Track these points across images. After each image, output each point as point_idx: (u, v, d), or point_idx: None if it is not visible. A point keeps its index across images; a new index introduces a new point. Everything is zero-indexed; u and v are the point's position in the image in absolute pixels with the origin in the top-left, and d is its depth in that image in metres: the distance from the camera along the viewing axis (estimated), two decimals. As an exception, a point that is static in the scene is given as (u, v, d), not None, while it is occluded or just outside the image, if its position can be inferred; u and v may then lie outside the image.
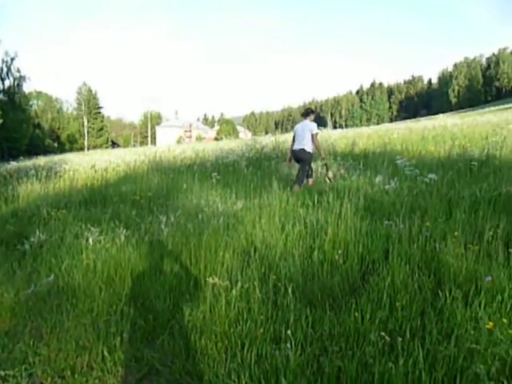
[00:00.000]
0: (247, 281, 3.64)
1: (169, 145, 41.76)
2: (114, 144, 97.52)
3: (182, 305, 3.51)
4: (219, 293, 3.49)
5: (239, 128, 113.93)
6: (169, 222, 5.62)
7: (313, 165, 8.40)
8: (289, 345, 2.64)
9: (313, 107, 13.48)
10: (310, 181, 8.11)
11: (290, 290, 3.34)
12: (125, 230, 5.25)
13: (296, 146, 8.00)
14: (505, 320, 2.53)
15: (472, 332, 2.52)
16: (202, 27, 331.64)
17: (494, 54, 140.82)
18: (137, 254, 4.58)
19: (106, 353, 3.00)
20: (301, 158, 7.94)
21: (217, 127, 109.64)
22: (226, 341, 2.94)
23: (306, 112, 8.45)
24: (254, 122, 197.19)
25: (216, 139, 67.34)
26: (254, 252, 4.32)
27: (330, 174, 8.03)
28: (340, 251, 3.99)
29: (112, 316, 3.49)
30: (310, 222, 4.81)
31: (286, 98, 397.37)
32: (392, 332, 2.73)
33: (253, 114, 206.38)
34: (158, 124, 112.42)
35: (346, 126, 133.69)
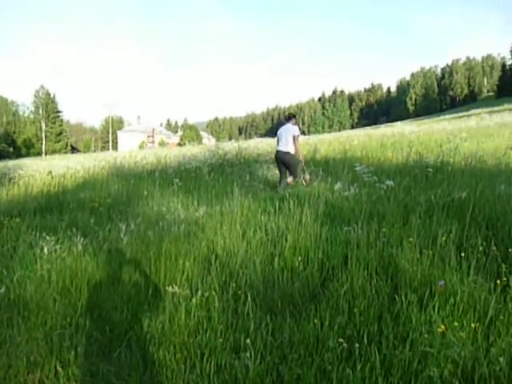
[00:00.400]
0: (208, 289, 3.60)
1: (131, 150, 41.00)
2: (74, 149, 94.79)
3: (140, 315, 3.42)
4: (179, 302, 3.43)
5: (203, 133, 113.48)
6: (128, 229, 5.48)
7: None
8: (248, 354, 2.62)
9: (293, 112, 13.68)
10: (290, 179, 8.35)
11: (250, 298, 3.33)
12: (82, 239, 5.08)
13: (280, 148, 8.46)
14: (456, 323, 2.62)
15: (426, 335, 2.58)
16: (165, 32, 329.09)
17: (447, 65, 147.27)
18: (94, 263, 4.44)
19: (59, 368, 2.87)
20: (285, 159, 8.37)
21: (180, 132, 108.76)
22: (185, 351, 2.89)
23: (289, 117, 9.01)
24: (217, 128, 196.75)
25: (179, 145, 66.74)
26: (215, 259, 4.27)
27: (307, 177, 8.34)
28: (300, 258, 4.02)
29: (66, 329, 3.35)
30: (271, 229, 4.82)
31: (250, 104, 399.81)
32: (350, 338, 2.77)
33: (216, 119, 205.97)
34: (119, 129, 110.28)
35: (309, 132, 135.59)
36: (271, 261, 4.11)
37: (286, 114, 9.52)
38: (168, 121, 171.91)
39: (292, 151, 8.32)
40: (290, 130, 8.52)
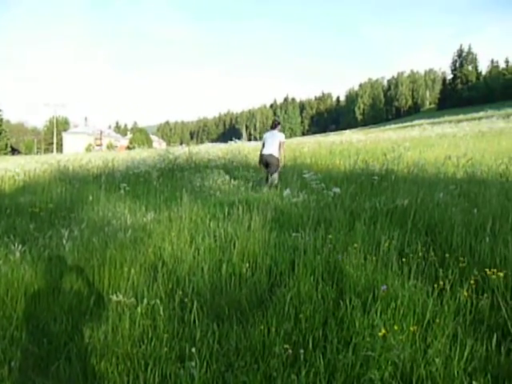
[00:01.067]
0: (153, 297, 3.51)
1: (77, 153, 39.52)
2: (14, 150, 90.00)
3: (81, 326, 3.28)
4: (123, 311, 3.33)
5: (153, 137, 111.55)
6: (71, 235, 5.26)
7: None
8: (194, 363, 2.57)
9: (277, 119, 13.88)
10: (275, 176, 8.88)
11: (197, 306, 3.29)
12: (20, 246, 4.81)
13: (266, 151, 9.12)
14: (396, 327, 2.71)
15: (368, 339, 2.65)
16: (114, 33, 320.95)
17: (393, 77, 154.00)
18: (33, 271, 4.21)
19: (-10, 385, 2.69)
20: (270, 161, 9.06)
21: (129, 136, 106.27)
22: (129, 362, 2.80)
23: (274, 124, 9.83)
24: (168, 132, 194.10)
25: (128, 148, 65.13)
26: (162, 266, 4.19)
27: (276, 178, 8.98)
28: (248, 264, 4.03)
29: (0, 343, 3.15)
30: (219, 235, 4.79)
31: (202, 108, 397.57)
32: (296, 343, 2.79)
33: (167, 123, 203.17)
34: (65, 130, 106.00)
35: (261, 138, 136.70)
36: (219, 267, 4.07)
37: (273, 120, 10.35)
38: (117, 123, 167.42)
39: (276, 155, 9.03)
40: (276, 135, 9.28)
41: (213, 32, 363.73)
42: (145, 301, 3.40)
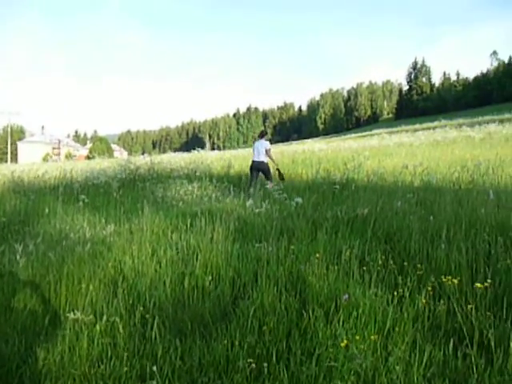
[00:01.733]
0: (113, 314, 3.40)
1: (33, 163, 38.11)
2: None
3: (36, 347, 3.12)
4: (81, 329, 3.20)
5: (114, 146, 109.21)
6: (26, 250, 5.02)
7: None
8: (155, 382, 2.50)
9: (263, 130, 14.46)
10: (270, 185, 9.37)
11: (158, 321, 3.21)
12: (-31, 263, 4.57)
13: (256, 159, 10.54)
14: (358, 336, 2.74)
15: (331, 350, 2.67)
16: (73, 41, 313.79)
17: (353, 88, 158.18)
18: (-18, 290, 4.00)
19: None
20: (260, 167, 10.49)
21: (89, 145, 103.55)
22: (86, 383, 2.69)
23: (261, 134, 11.24)
24: (130, 141, 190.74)
25: (88, 158, 63.48)
26: (123, 281, 4.08)
27: (282, 176, 10.56)
28: (212, 276, 3.98)
29: None
30: (182, 247, 4.73)
31: (164, 117, 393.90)
32: (260, 356, 2.77)
33: (129, 132, 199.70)
34: (20, 139, 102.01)
35: (224, 147, 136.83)
36: (182, 280, 4.00)
37: (260, 130, 11.84)
38: (76, 132, 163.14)
39: (265, 161, 10.50)
40: (263, 144, 10.63)
41: (175, 42, 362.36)
42: (104, 318, 3.29)
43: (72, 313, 3.35)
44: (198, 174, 11.81)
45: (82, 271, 4.20)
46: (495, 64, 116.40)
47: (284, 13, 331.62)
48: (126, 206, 7.65)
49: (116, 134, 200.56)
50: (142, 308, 3.43)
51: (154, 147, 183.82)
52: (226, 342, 2.92)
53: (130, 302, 3.65)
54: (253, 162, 10.63)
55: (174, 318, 3.43)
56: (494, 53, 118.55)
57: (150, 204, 7.81)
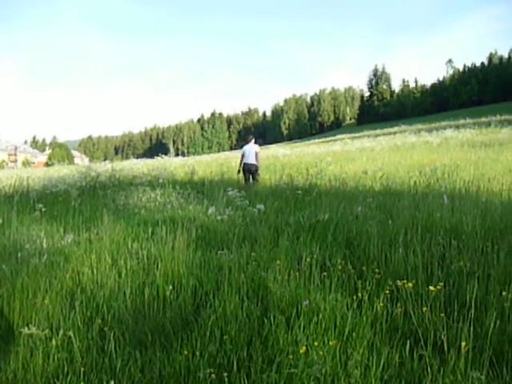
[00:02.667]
0: (71, 327, 3.30)
1: (-13, 170, 36.57)
2: None
3: (-14, 366, 2.98)
4: (35, 345, 3.08)
5: (75, 153, 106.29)
6: (-23, 264, 4.80)
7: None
8: (113, 396, 2.44)
9: (252, 135, 15.12)
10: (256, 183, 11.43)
11: (118, 333, 3.15)
12: None
13: (248, 161, 11.81)
14: (317, 342, 2.78)
15: (291, 356, 2.69)
16: (30, 44, 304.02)
17: (316, 94, 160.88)
18: None
19: None
20: (252, 169, 11.82)
21: (48, 151, 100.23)
22: (41, 401, 2.59)
23: (250, 139, 12.35)
24: (91, 147, 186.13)
25: (47, 165, 61.47)
26: (81, 293, 3.96)
27: (259, 178, 11.95)
28: (173, 285, 3.93)
29: None
30: (143, 256, 4.64)
31: (127, 123, 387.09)
32: (221, 366, 2.76)
33: (90, 138, 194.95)
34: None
35: (188, 153, 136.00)
36: (142, 290, 3.93)
37: (250, 136, 12.72)
38: (34, 138, 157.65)
39: (255, 163, 11.83)
40: (253, 148, 11.96)
41: (137, 47, 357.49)
42: (60, 332, 3.19)
43: (26, 327, 3.22)
44: (161, 180, 11.63)
45: (38, 283, 4.05)
46: (451, 72, 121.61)
47: (248, 18, 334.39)
48: (85, 215, 7.44)
49: (77, 140, 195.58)
50: (100, 320, 3.34)
51: (116, 153, 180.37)
52: (186, 352, 2.88)
53: (88, 314, 3.55)
54: (245, 164, 11.90)
55: (134, 330, 3.36)
56: (450, 61, 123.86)
57: (110, 212, 7.63)
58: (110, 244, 5.14)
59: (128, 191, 10.54)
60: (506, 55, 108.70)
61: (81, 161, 75.43)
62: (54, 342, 3.09)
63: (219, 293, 3.77)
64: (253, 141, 12.20)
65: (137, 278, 4.20)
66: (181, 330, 3.35)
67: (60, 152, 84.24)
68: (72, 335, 3.12)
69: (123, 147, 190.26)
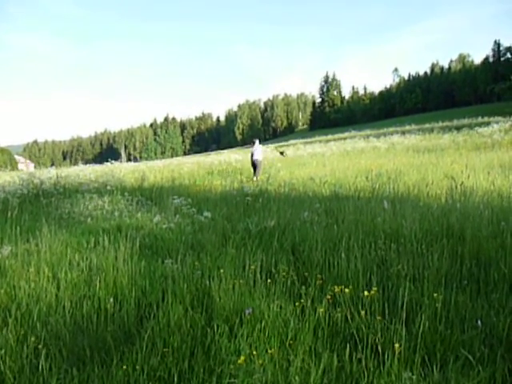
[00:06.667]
0: (3, 346, 3.12)
1: None
2: None
3: None
4: (-37, 367, 2.89)
5: (19, 158, 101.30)
6: None
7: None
8: (44, 418, 2.33)
9: (255, 139, 16.92)
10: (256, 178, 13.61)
11: (54, 350, 3.02)
12: None
13: (256, 158, 14.47)
14: (256, 351, 2.79)
15: (232, 366, 2.68)
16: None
17: (269, 99, 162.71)
18: None
19: None
20: (257, 164, 14.39)
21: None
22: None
23: (254, 141, 15.45)
24: (37, 152, 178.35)
25: (-13, 171, 58.11)
26: (17, 309, 3.76)
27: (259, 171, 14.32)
28: (115, 297, 3.82)
29: None
30: (84, 268, 4.49)
31: (76, 127, 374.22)
32: (161, 379, 2.71)
33: (36, 142, 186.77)
34: None
35: (141, 158, 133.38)
36: (82, 304, 3.79)
37: (254, 140, 15.70)
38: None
39: (260, 159, 14.52)
40: (259, 147, 14.92)
41: (87, 51, 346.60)
42: (-9, 351, 3.01)
43: (-47, 349, 3.03)
44: (109, 187, 11.30)
45: (-32, 300, 3.82)
46: (397, 80, 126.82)
47: (203, 25, 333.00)
48: (26, 225, 7.09)
49: (21, 145, 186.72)
50: (33, 338, 3.18)
51: (64, 158, 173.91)
52: (126, 366, 2.81)
53: (22, 331, 3.37)
54: (253, 160, 14.63)
55: (72, 346, 3.23)
56: (396, 70, 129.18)
57: (54, 221, 7.33)
58: (50, 255, 4.93)
59: (74, 199, 10.16)
60: (446, 65, 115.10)
61: (25, 167, 72.08)
62: (-17, 362, 2.92)
63: (163, 303, 3.71)
64: (257, 142, 15.32)
65: (77, 290, 4.05)
66: (122, 343, 3.26)
67: (2, 157, 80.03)
68: (7, 353, 2.97)
69: (72, 152, 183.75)
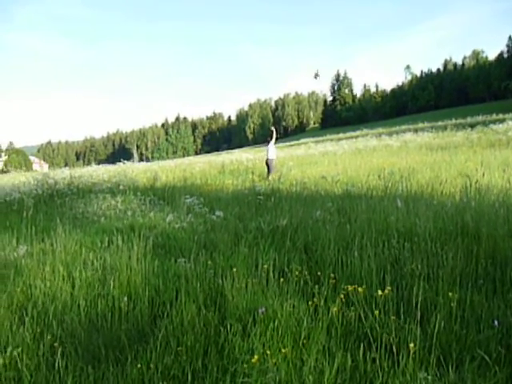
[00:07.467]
0: (20, 344, 3.18)
1: None
2: None
3: None
4: (-19, 364, 2.95)
5: (33, 159, 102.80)
6: None
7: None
8: (61, 415, 2.36)
9: (271, 128, 15.79)
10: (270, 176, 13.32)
11: (70, 348, 3.05)
12: None
13: (268, 157, 14.29)
14: (271, 350, 2.78)
15: (246, 365, 2.68)
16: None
17: (280, 98, 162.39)
18: None
19: None
20: (269, 163, 14.24)
21: (4, 158, 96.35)
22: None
23: (270, 135, 14.83)
24: (51, 153, 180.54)
25: (3, 172, 59.10)
26: (33, 307, 3.81)
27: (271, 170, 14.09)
28: (129, 296, 3.85)
29: None
30: (99, 267, 4.53)
31: (89, 127, 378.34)
32: (176, 378, 2.72)
33: (50, 143, 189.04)
34: None
35: (153, 158, 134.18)
36: (97, 303, 3.84)
37: (270, 131, 15.12)
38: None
39: (270, 157, 14.28)
40: (271, 145, 14.45)
41: (98, 51, 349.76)
42: (9, 349, 3.06)
43: (-29, 346, 3.09)
44: (121, 187, 11.40)
45: (-15, 299, 3.88)
46: (409, 77, 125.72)
47: (211, 24, 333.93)
48: (41, 225, 7.19)
49: (35, 146, 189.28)
50: (49, 337, 3.22)
51: (77, 159, 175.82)
52: (140, 365, 2.83)
53: (39, 329, 3.42)
54: (267, 159, 14.55)
55: (87, 344, 3.27)
56: (408, 67, 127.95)
57: (69, 221, 7.43)
58: (65, 255, 4.99)
59: (87, 199, 10.28)
60: (459, 62, 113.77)
61: (40, 167, 73.05)
62: (1, 360, 2.97)
63: (177, 302, 3.73)
64: (272, 141, 14.57)
65: (92, 289, 4.10)
66: (136, 342, 3.28)
67: (17, 158, 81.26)
68: (24, 351, 3.01)
69: (85, 153, 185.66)
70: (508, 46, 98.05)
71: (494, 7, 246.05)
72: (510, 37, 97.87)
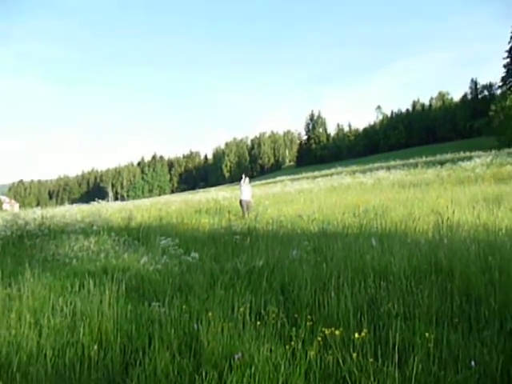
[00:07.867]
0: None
1: None
2: None
3: None
4: None
5: (4, 198, 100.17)
6: None
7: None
8: None
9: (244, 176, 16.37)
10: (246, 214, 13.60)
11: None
12: None
13: (242, 198, 14.40)
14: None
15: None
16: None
17: (256, 137, 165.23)
18: None
19: None
20: (246, 204, 14.25)
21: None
22: None
23: (244, 179, 15.14)
24: (23, 192, 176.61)
25: (-29, 212, 57.17)
26: (-4, 359, 3.60)
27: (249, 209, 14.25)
28: (100, 344, 3.69)
29: None
30: (68, 313, 4.35)
31: (63, 166, 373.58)
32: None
33: (22, 182, 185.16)
34: None
35: (128, 196, 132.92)
36: (66, 351, 3.65)
37: (244, 177, 15.49)
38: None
39: (249, 199, 14.61)
40: (247, 186, 14.77)
41: (73, 90, 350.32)
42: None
43: None
44: (95, 227, 11.16)
45: None
46: (380, 117, 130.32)
47: (188, 69, 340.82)
48: (8, 269, 6.91)
49: (6, 185, 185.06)
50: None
51: (50, 198, 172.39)
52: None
53: (1, 383, 3.22)
54: (240, 200, 14.64)
55: (53, 397, 3.09)
56: (379, 107, 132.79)
57: (38, 264, 7.17)
58: (33, 301, 4.78)
59: (59, 240, 9.99)
60: (427, 103, 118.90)
61: (10, 207, 71.12)
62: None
63: (150, 349, 3.59)
64: (246, 180, 15.02)
65: (60, 337, 3.91)
66: (107, 393, 3.13)
67: (-14, 198, 78.98)
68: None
69: (58, 191, 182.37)
70: (471, 88, 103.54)
71: (453, 54, 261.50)
72: (472, 80, 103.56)
